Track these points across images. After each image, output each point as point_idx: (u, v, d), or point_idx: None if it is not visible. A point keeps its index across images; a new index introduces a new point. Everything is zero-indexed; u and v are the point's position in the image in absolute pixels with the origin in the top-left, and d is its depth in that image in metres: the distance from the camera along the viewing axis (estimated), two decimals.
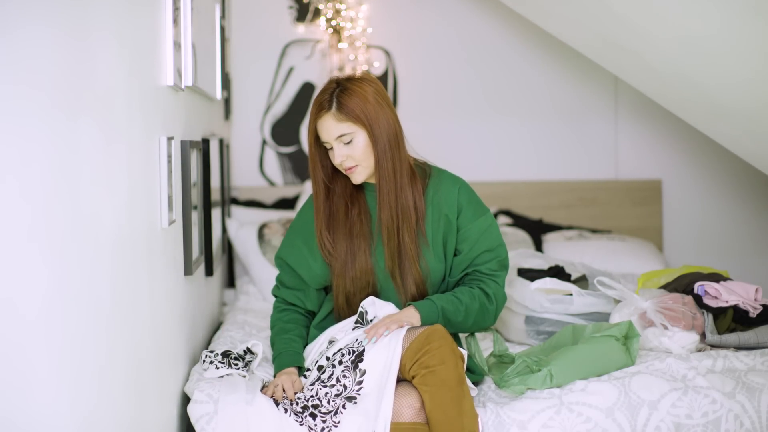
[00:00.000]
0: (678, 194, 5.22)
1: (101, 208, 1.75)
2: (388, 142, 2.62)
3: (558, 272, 3.33)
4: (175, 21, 2.45)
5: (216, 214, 3.61)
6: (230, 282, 4.56)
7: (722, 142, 3.66)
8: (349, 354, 2.49)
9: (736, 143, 3.61)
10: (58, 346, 1.52)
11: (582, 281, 3.33)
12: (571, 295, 3.11)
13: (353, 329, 2.63)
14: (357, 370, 2.45)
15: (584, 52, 4.01)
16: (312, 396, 2.45)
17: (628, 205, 5.16)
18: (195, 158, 2.87)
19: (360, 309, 2.64)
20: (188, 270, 2.68)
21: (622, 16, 3.24)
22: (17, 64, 1.41)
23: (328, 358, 2.57)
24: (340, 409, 2.42)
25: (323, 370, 2.54)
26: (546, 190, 5.11)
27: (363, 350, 2.47)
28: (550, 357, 2.63)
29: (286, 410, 2.45)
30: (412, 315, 2.56)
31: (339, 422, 2.41)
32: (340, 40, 4.87)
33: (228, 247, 4.48)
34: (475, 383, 2.67)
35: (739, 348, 2.85)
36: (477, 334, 3.16)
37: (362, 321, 2.63)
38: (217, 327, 3.59)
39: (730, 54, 2.99)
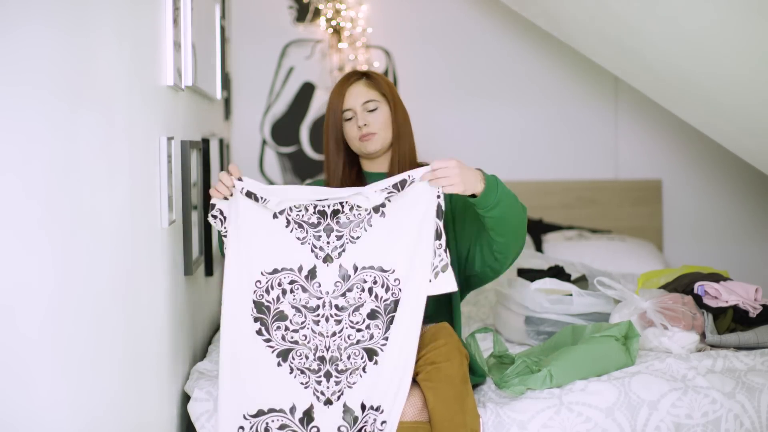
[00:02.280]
0: (678, 194, 5.22)
1: (101, 208, 1.75)
2: (405, 124, 2.74)
3: (558, 272, 3.33)
4: (175, 21, 2.46)
5: None
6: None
7: (722, 141, 3.66)
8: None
9: (736, 143, 3.61)
10: (57, 345, 1.52)
11: (582, 281, 3.33)
12: (571, 295, 3.11)
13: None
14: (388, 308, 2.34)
15: (584, 52, 4.01)
16: (328, 348, 2.34)
17: (628, 205, 5.16)
18: (195, 158, 2.87)
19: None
20: (188, 270, 2.68)
21: (622, 16, 3.24)
22: (17, 64, 1.41)
23: (339, 209, 2.40)
24: (360, 371, 2.34)
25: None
26: (546, 190, 5.11)
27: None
28: (550, 357, 2.63)
29: (291, 370, 2.35)
30: (477, 182, 2.39)
31: (354, 383, 2.34)
32: (340, 40, 4.87)
33: None
34: (477, 385, 2.67)
35: (739, 348, 2.85)
36: (477, 335, 3.16)
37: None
38: (217, 327, 3.59)
39: (730, 54, 2.99)
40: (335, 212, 2.40)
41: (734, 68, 3.04)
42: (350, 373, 2.35)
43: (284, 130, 5.02)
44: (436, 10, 5.05)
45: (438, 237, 2.34)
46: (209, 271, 3.29)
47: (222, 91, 3.86)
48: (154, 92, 2.26)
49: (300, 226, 2.41)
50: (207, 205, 3.16)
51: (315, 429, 2.33)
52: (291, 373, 2.36)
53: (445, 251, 2.35)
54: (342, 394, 2.34)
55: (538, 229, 4.88)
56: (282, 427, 2.32)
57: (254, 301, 2.38)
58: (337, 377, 2.35)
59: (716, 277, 3.09)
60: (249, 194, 2.39)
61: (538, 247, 4.70)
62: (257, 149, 5.01)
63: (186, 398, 2.64)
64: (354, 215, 2.39)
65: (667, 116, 4.95)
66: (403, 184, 2.36)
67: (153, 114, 2.25)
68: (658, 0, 3.01)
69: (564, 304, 3.09)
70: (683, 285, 3.10)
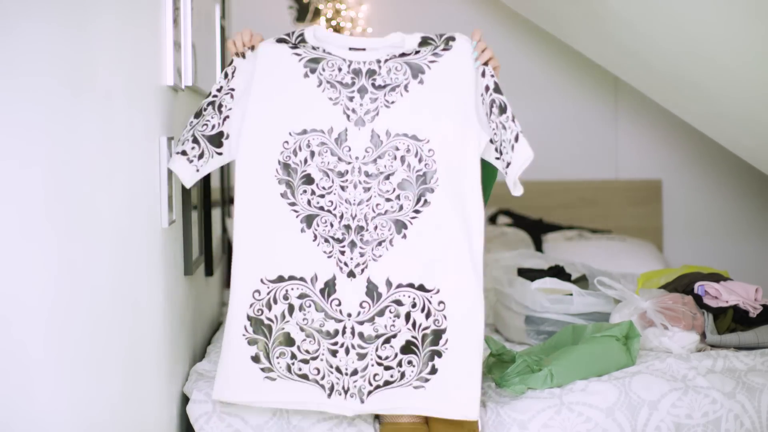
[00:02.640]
0: (678, 194, 5.22)
1: (101, 208, 1.75)
2: None
3: (558, 272, 3.33)
4: (175, 21, 2.45)
5: (216, 214, 3.61)
6: (230, 282, 4.55)
7: (722, 141, 3.66)
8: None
9: (736, 143, 3.61)
10: (56, 345, 1.52)
11: (582, 281, 3.33)
12: (571, 295, 3.11)
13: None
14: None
15: (584, 52, 4.01)
16: (354, 216, 2.24)
17: (628, 205, 5.16)
18: None
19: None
20: (188, 270, 2.68)
21: (622, 16, 3.24)
22: (17, 64, 1.41)
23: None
24: (387, 243, 2.25)
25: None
26: (546, 190, 5.11)
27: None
28: (551, 357, 2.63)
29: (315, 237, 2.25)
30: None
31: (380, 257, 2.25)
32: None
33: (228, 247, 4.47)
34: None
35: (739, 348, 2.85)
36: None
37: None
38: (217, 327, 3.59)
39: (730, 54, 2.99)
40: (371, 72, 2.28)
41: (734, 68, 3.04)
42: (376, 245, 2.25)
43: None
44: (436, 10, 5.05)
45: (503, 111, 2.25)
46: (209, 271, 3.28)
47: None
48: (154, 92, 2.26)
49: (332, 86, 2.28)
50: (207, 204, 3.16)
51: (336, 301, 2.25)
52: (314, 240, 2.26)
53: (514, 121, 2.25)
54: (366, 267, 2.25)
55: (538, 229, 4.88)
56: (302, 296, 2.25)
57: (280, 162, 2.27)
58: (362, 248, 2.25)
59: (716, 277, 3.09)
60: (281, 40, 2.30)
61: (538, 247, 4.70)
62: None
63: (185, 399, 2.64)
64: (391, 78, 2.27)
65: (667, 116, 4.95)
66: (443, 41, 2.28)
67: (153, 114, 2.25)
68: (659, 1, 3.01)
69: (564, 303, 3.09)
70: (683, 285, 3.10)
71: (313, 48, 2.31)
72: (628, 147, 5.19)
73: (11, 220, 1.40)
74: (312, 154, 2.26)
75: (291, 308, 2.26)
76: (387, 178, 2.26)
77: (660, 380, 2.55)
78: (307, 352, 2.27)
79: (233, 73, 2.33)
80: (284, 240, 2.27)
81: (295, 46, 2.31)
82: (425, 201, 2.25)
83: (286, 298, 2.26)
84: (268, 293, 2.27)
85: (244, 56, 2.32)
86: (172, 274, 2.49)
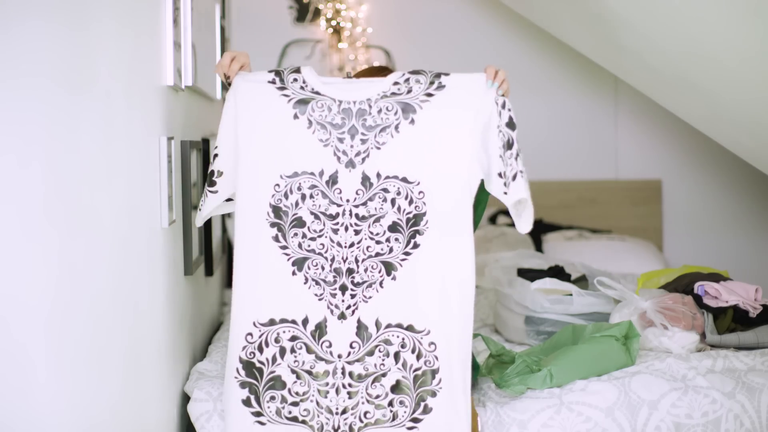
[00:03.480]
0: (678, 194, 5.22)
1: (101, 208, 1.75)
2: None
3: (558, 272, 3.33)
4: (175, 21, 2.46)
5: None
6: (230, 282, 4.56)
7: (722, 142, 3.66)
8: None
9: (736, 143, 3.61)
10: (58, 345, 1.52)
11: (582, 281, 3.33)
12: (571, 295, 3.11)
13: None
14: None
15: (584, 52, 4.01)
16: (345, 259, 2.24)
17: (628, 205, 5.16)
18: (195, 158, 2.87)
19: None
20: (188, 270, 2.68)
21: (622, 16, 3.24)
22: (17, 64, 1.41)
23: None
24: (377, 285, 2.26)
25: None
26: (546, 190, 5.11)
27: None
28: (551, 357, 2.63)
29: (306, 280, 2.26)
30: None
31: (370, 298, 2.26)
32: (340, 40, 4.87)
33: (228, 247, 4.48)
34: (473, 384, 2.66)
35: (739, 348, 2.85)
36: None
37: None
38: (217, 327, 3.59)
39: (730, 54, 2.99)
40: (361, 111, 2.26)
41: (734, 68, 3.04)
42: (366, 287, 2.26)
43: None
44: (436, 10, 5.05)
45: (509, 147, 2.24)
46: (209, 271, 3.29)
47: (222, 91, 3.86)
48: (154, 92, 2.26)
49: (323, 126, 2.26)
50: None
51: (327, 343, 2.26)
52: (305, 283, 2.27)
53: (516, 160, 2.24)
54: (357, 308, 2.26)
55: (538, 229, 4.88)
56: (293, 338, 2.27)
57: (272, 206, 2.27)
58: (352, 290, 2.26)
59: (716, 277, 3.09)
60: (277, 73, 2.29)
61: (538, 247, 4.70)
62: None
63: (186, 399, 2.64)
64: (381, 118, 2.25)
65: (667, 116, 4.95)
66: (433, 77, 2.26)
67: (153, 114, 2.25)
68: (659, 1, 3.01)
69: (564, 304, 3.09)
70: (683, 285, 3.10)
71: (302, 88, 2.28)
72: (628, 147, 5.19)
73: (11, 220, 1.40)
74: (303, 197, 2.26)
75: (282, 351, 2.27)
76: (377, 220, 2.26)
77: (660, 380, 2.55)
78: (297, 394, 2.28)
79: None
80: (275, 283, 2.28)
81: (282, 87, 2.29)
82: (415, 243, 2.25)
83: (277, 341, 2.28)
84: (260, 336, 2.28)
85: (228, 86, 2.33)
86: (172, 274, 2.49)
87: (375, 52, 5.00)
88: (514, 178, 2.23)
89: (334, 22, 4.86)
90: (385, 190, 2.25)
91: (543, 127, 5.15)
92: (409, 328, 2.26)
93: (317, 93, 2.28)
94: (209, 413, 2.44)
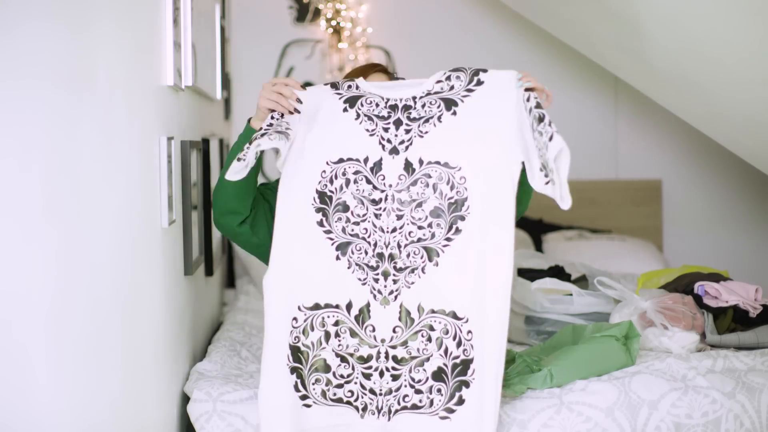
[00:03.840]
0: (678, 194, 5.22)
1: (101, 209, 1.75)
2: None
3: (558, 272, 3.33)
4: (175, 21, 2.46)
5: None
6: (230, 282, 4.56)
7: (722, 142, 3.66)
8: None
9: (736, 143, 3.61)
10: (57, 345, 1.52)
11: (582, 281, 3.33)
12: (571, 295, 3.11)
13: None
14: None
15: (584, 52, 4.01)
16: (387, 245, 2.27)
17: (628, 205, 5.16)
18: (195, 158, 2.87)
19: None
20: (188, 270, 2.68)
21: (622, 16, 3.24)
22: (17, 64, 1.41)
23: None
24: (419, 271, 2.28)
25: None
26: None
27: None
28: (551, 357, 2.63)
29: (350, 265, 2.29)
30: None
31: (413, 284, 2.28)
32: (340, 40, 4.87)
33: (228, 247, 4.48)
34: None
35: (739, 348, 2.85)
36: None
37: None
38: (217, 327, 3.59)
39: (730, 54, 2.99)
40: (406, 107, 2.36)
41: (736, 69, 3.04)
42: (409, 273, 2.29)
43: None
44: (436, 10, 5.05)
45: (540, 120, 2.25)
46: (209, 271, 3.29)
47: (222, 91, 3.86)
48: (154, 92, 2.26)
49: (370, 118, 2.36)
50: (207, 204, 3.16)
51: (370, 327, 2.29)
52: (349, 268, 2.31)
53: (550, 125, 2.25)
54: (399, 293, 2.29)
55: (538, 229, 4.88)
56: (337, 323, 2.29)
57: (317, 191, 2.33)
58: (395, 276, 2.29)
59: (716, 277, 3.09)
60: (334, 85, 2.41)
61: (538, 247, 4.70)
62: None
63: (186, 399, 2.64)
64: (425, 111, 2.35)
65: (667, 116, 4.95)
66: (472, 74, 2.36)
67: (153, 114, 2.25)
68: (659, 1, 3.01)
69: (564, 304, 3.09)
70: (683, 285, 3.10)
71: (356, 89, 2.41)
72: (628, 147, 5.19)
73: (11, 220, 1.40)
74: (347, 182, 2.32)
75: (327, 335, 2.30)
76: (419, 205, 2.29)
77: (660, 380, 2.55)
78: (342, 376, 2.31)
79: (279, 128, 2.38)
80: (320, 267, 2.31)
81: (337, 89, 2.41)
82: (457, 229, 2.28)
83: (322, 325, 2.30)
84: (305, 320, 2.31)
85: (297, 111, 2.41)
86: (172, 274, 2.49)
87: (375, 52, 5.00)
88: (551, 138, 2.22)
89: (334, 22, 4.86)
90: (428, 176, 2.30)
91: None
92: (452, 314, 2.27)
93: (367, 92, 2.40)
94: (209, 413, 2.44)
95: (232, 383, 2.54)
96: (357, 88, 2.41)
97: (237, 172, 2.30)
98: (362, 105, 2.37)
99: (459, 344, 2.26)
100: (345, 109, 2.37)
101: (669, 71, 3.38)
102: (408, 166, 2.31)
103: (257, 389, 2.50)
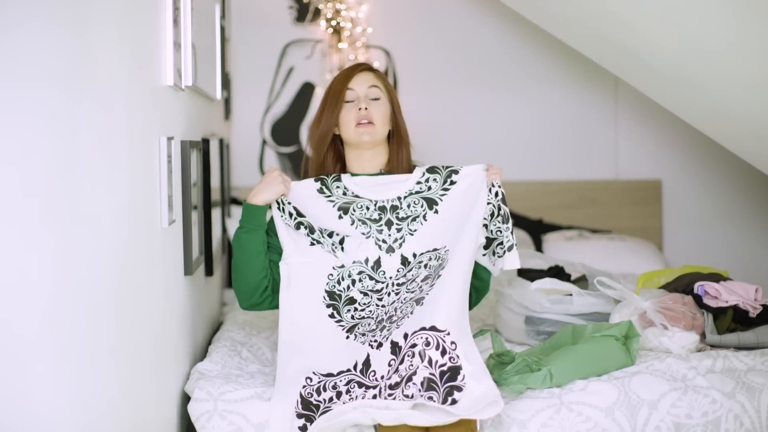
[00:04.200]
0: (678, 194, 5.22)
1: (101, 208, 1.75)
2: (404, 125, 2.84)
3: (558, 272, 3.33)
4: (175, 21, 2.46)
5: (216, 214, 3.61)
6: (230, 282, 4.56)
7: (722, 142, 3.66)
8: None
9: (736, 143, 3.61)
10: (56, 345, 1.52)
11: (582, 281, 3.33)
12: (571, 295, 3.11)
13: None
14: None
15: (584, 52, 4.01)
16: (387, 313, 2.59)
17: (628, 205, 5.16)
18: (195, 158, 2.87)
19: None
20: (188, 270, 2.68)
21: (622, 16, 3.24)
22: (17, 64, 1.41)
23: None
24: (408, 315, 2.56)
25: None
26: (546, 190, 5.11)
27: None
28: (550, 357, 2.63)
29: (356, 337, 2.59)
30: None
31: (401, 325, 2.55)
32: (340, 40, 4.87)
33: (228, 247, 4.48)
34: None
35: (739, 348, 2.85)
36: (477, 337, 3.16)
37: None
38: (217, 327, 3.59)
39: (730, 54, 2.99)
40: (394, 207, 2.68)
41: (736, 69, 3.04)
42: (399, 320, 2.57)
43: (284, 130, 5.02)
44: (436, 10, 5.05)
45: (506, 221, 2.66)
46: (209, 271, 3.29)
47: (222, 91, 3.86)
48: (154, 92, 2.26)
49: (364, 223, 2.66)
50: (207, 204, 3.16)
51: (373, 372, 2.51)
52: (355, 339, 2.59)
53: (512, 233, 2.68)
54: (390, 334, 2.55)
55: (538, 229, 4.88)
56: (348, 382, 2.51)
57: (326, 291, 2.63)
58: (388, 328, 2.57)
59: (716, 277, 3.09)
60: (322, 181, 2.73)
61: (538, 247, 4.70)
62: (257, 149, 5.01)
63: (186, 399, 2.64)
64: (411, 211, 2.68)
65: (667, 116, 4.95)
66: (448, 173, 2.72)
67: (153, 114, 2.25)
68: (659, 1, 3.01)
69: (564, 304, 3.09)
70: (683, 285, 3.10)
71: (344, 193, 2.72)
72: (628, 147, 5.19)
73: (11, 219, 1.40)
74: (353, 281, 2.63)
75: (339, 394, 2.50)
76: (413, 281, 2.63)
77: (660, 380, 2.55)
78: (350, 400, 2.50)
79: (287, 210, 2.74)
80: (333, 347, 2.58)
81: (329, 195, 2.72)
82: (438, 275, 2.61)
83: (334, 387, 2.52)
84: (319, 382, 2.53)
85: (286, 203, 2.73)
86: (172, 274, 2.49)
87: (375, 52, 5.00)
88: (511, 249, 2.67)
89: (334, 22, 4.86)
90: (420, 262, 2.64)
91: (543, 127, 5.15)
92: (432, 328, 2.49)
93: (356, 196, 2.71)
94: (209, 413, 2.44)
95: (233, 383, 2.55)
96: (345, 188, 2.71)
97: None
98: (354, 210, 2.68)
99: (444, 353, 2.45)
100: (340, 216, 2.67)
101: (669, 71, 3.38)
102: (404, 261, 2.64)
103: (257, 389, 2.51)
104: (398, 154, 2.79)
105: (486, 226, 2.66)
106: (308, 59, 4.97)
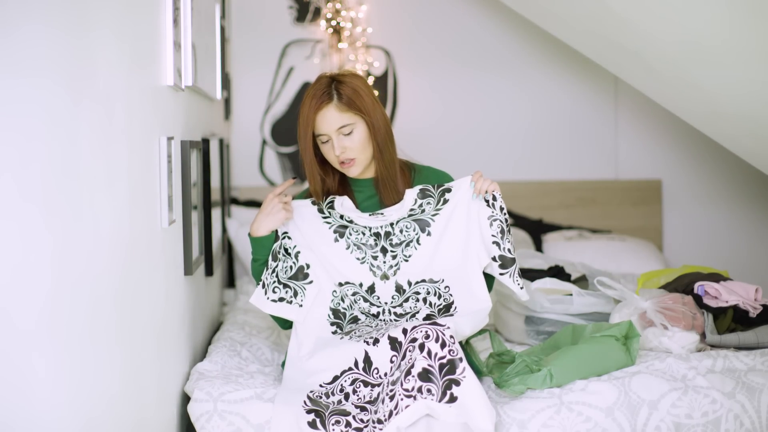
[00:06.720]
0: (678, 194, 5.22)
1: (101, 208, 1.75)
2: (386, 133, 2.70)
3: (558, 272, 3.33)
4: (175, 21, 2.46)
5: (216, 214, 3.61)
6: (230, 282, 4.56)
7: (722, 142, 3.66)
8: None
9: (736, 143, 3.61)
10: (58, 345, 1.52)
11: (582, 281, 3.33)
12: (571, 295, 3.11)
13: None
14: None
15: (584, 52, 4.01)
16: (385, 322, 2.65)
17: (628, 205, 5.16)
18: (195, 158, 2.87)
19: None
20: (188, 270, 2.68)
21: (622, 16, 3.24)
22: (17, 64, 1.41)
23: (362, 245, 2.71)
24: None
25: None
26: (546, 190, 5.11)
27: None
28: (550, 357, 2.63)
29: (351, 337, 2.62)
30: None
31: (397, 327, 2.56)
32: (340, 40, 4.87)
33: (228, 247, 4.48)
34: None
35: (739, 348, 2.85)
36: (477, 336, 3.16)
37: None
38: (217, 327, 3.59)
39: (730, 54, 2.99)
40: (387, 233, 2.70)
41: (736, 69, 3.04)
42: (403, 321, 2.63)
43: (284, 130, 5.01)
44: (436, 10, 5.05)
45: (508, 232, 2.66)
46: (209, 271, 3.29)
47: (222, 91, 3.86)
48: (154, 92, 2.26)
49: (358, 248, 2.69)
50: (207, 204, 3.16)
51: (376, 370, 2.51)
52: (350, 339, 2.62)
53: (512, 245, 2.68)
54: (387, 331, 2.53)
55: (538, 229, 4.88)
56: (353, 381, 2.53)
57: (331, 309, 2.69)
58: (384, 327, 2.61)
59: (716, 277, 3.09)
60: (321, 210, 2.74)
61: (538, 247, 4.70)
62: (257, 149, 5.01)
63: (186, 399, 2.64)
64: (404, 235, 2.69)
65: (667, 116, 4.95)
66: (440, 193, 2.70)
67: (153, 114, 2.25)
68: (659, 1, 3.01)
69: (564, 304, 3.09)
70: (683, 285, 3.10)
71: (340, 216, 2.73)
72: (628, 147, 5.19)
73: (11, 219, 1.40)
74: (355, 301, 2.70)
75: (347, 396, 2.52)
76: (413, 315, 2.67)
77: (660, 380, 2.55)
78: (362, 421, 2.44)
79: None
80: (334, 353, 2.59)
81: (326, 215, 2.73)
82: (447, 307, 2.67)
83: (342, 389, 2.54)
84: (329, 391, 2.55)
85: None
86: (172, 274, 2.49)
87: (375, 52, 5.00)
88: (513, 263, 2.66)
89: (334, 22, 4.86)
90: (417, 293, 2.68)
91: (543, 127, 5.15)
92: (433, 322, 2.46)
93: (350, 221, 2.71)
94: (209, 413, 2.44)
95: (233, 383, 2.55)
96: (341, 217, 2.71)
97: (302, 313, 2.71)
98: (351, 234, 2.70)
99: (443, 345, 2.40)
100: (336, 239, 2.70)
101: (669, 71, 3.38)
102: (399, 288, 2.68)
103: (257, 390, 2.51)
104: (383, 163, 2.70)
105: (498, 244, 2.62)
106: (308, 59, 4.96)
